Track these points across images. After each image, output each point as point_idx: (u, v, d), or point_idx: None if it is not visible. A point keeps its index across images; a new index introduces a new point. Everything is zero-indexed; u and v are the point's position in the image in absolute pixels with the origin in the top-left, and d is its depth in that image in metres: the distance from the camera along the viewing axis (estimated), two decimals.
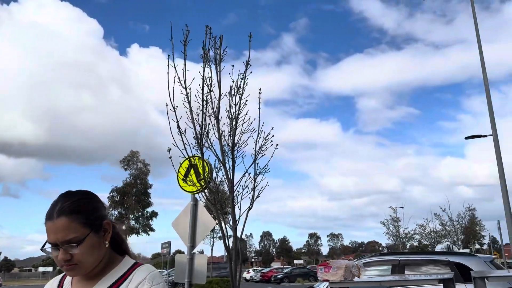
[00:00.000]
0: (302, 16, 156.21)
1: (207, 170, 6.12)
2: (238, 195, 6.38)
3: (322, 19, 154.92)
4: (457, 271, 5.98)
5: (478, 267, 6.14)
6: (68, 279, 1.53)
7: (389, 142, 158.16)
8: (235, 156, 6.46)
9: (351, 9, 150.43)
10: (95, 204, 1.48)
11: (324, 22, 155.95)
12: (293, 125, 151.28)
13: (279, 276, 42.79)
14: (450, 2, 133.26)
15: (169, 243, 30.45)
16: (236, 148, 6.43)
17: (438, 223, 39.36)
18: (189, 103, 6.08)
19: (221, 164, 6.39)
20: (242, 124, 6.49)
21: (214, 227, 7.38)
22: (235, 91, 6.36)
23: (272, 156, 6.56)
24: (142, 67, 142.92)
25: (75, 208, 1.39)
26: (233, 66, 6.47)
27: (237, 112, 6.40)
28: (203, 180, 6.14)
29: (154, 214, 45.97)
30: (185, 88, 6.04)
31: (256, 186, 6.43)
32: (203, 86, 6.05)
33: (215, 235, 52.17)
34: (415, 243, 43.51)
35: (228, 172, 6.39)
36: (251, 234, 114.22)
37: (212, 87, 6.25)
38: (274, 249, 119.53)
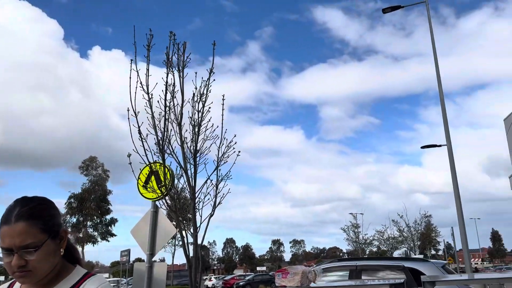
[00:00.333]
0: (268, 25, 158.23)
1: (168, 176, 6.07)
2: (200, 202, 6.36)
3: (286, 28, 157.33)
4: (411, 276, 6.21)
5: (431, 272, 6.41)
6: (17, 287, 1.49)
7: (351, 150, 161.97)
8: (197, 162, 6.45)
9: (314, 19, 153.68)
10: (53, 211, 1.46)
11: (288, 31, 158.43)
12: (258, 132, 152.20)
13: (241, 283, 42.63)
14: (409, 16, 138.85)
15: (128, 251, 29.76)
16: (198, 154, 6.42)
17: (396, 230, 40.60)
18: (151, 108, 6.03)
19: (182, 171, 6.36)
20: (205, 131, 6.49)
21: (175, 234, 7.30)
22: (198, 98, 6.37)
23: (234, 163, 6.60)
24: (103, 70, 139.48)
25: (34, 213, 1.37)
26: (196, 73, 6.48)
27: (200, 119, 6.40)
28: (164, 187, 6.07)
29: (113, 221, 44.79)
30: (148, 93, 5.98)
31: (218, 192, 6.43)
32: (166, 92, 6.02)
33: (176, 242, 51.44)
34: (374, 249, 44.63)
35: (190, 179, 6.36)
36: (214, 241, 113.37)
37: (175, 93, 6.23)
38: (237, 256, 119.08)
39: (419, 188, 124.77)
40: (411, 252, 38.99)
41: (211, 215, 6.42)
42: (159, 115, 6.22)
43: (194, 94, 6.44)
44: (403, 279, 3.45)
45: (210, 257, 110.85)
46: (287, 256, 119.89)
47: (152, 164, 6.14)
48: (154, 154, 6.11)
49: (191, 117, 6.46)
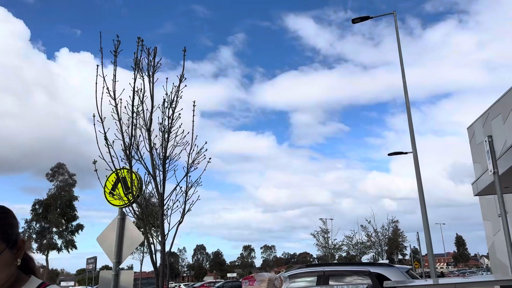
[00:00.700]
0: (240, 31, 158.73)
1: (135, 183, 5.98)
2: (169, 209, 6.29)
3: (258, 35, 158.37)
4: (376, 281, 6.35)
5: (396, 277, 6.56)
6: None
7: (321, 156, 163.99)
8: (167, 169, 6.39)
9: (286, 27, 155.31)
10: (12, 220, 1.42)
11: (260, 38, 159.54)
12: (230, 137, 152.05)
13: None
14: (377, 26, 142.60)
15: (95, 258, 29.01)
16: (168, 161, 6.36)
17: (364, 235, 41.29)
18: (118, 114, 5.93)
19: (151, 177, 6.28)
20: (175, 137, 6.44)
21: (143, 241, 7.18)
22: (169, 104, 6.32)
23: (204, 169, 6.57)
24: (71, 73, 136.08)
25: None
26: (167, 78, 6.43)
27: (169, 125, 6.35)
28: (131, 194, 5.98)
29: (79, 227, 43.59)
30: (114, 99, 5.89)
31: (188, 199, 6.38)
32: (133, 98, 5.94)
33: (145, 249, 50.53)
34: (344, 254, 45.21)
35: (159, 185, 6.29)
36: (184, 248, 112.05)
37: (144, 99, 6.16)
38: (207, 263, 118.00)
39: (387, 193, 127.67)
40: (379, 257, 39.76)
41: (180, 222, 6.36)
42: (128, 120, 6.14)
43: (164, 99, 6.39)
44: (366, 284, 3.52)
45: (180, 264, 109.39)
46: (258, 262, 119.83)
47: (118, 171, 6.03)
48: (121, 161, 6.02)
49: (161, 123, 6.40)
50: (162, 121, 6.42)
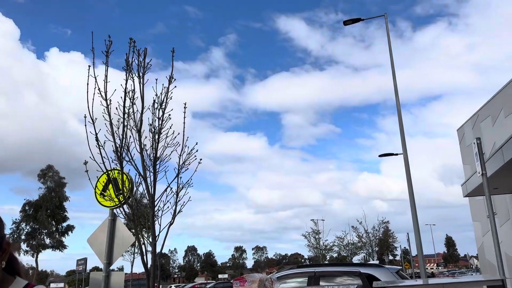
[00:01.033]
0: (231, 32, 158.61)
1: (126, 184, 5.95)
2: (159, 210, 6.28)
3: (250, 36, 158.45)
4: (367, 282, 6.39)
5: (386, 278, 6.61)
6: None
7: (312, 157, 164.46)
8: (157, 170, 6.38)
9: (278, 28, 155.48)
10: None
11: (252, 39, 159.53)
12: (222, 138, 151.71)
13: None
14: (368, 28, 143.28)
15: (85, 259, 28.77)
16: (158, 162, 6.35)
17: (355, 235, 41.48)
18: (109, 115, 5.91)
19: (142, 178, 6.27)
20: (166, 138, 6.43)
21: (134, 242, 7.16)
22: (159, 105, 6.31)
23: (195, 170, 6.57)
24: (61, 73, 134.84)
25: None
26: (156, 79, 6.43)
27: (160, 126, 6.34)
28: (122, 195, 5.96)
29: (70, 228, 43.24)
30: (106, 99, 5.87)
31: (179, 200, 6.38)
32: (124, 99, 5.93)
33: (136, 250, 50.22)
34: (335, 255, 45.38)
35: (149, 187, 6.28)
36: (175, 249, 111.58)
37: (134, 100, 6.14)
38: (198, 264, 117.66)
39: (377, 195, 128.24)
40: (369, 257, 39.98)
41: (171, 223, 6.35)
42: (118, 121, 6.12)
43: (154, 101, 6.38)
44: (356, 285, 3.55)
45: (171, 265, 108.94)
46: (249, 263, 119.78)
47: (109, 172, 6.01)
48: (112, 162, 5.99)
49: (151, 124, 6.38)
50: (153, 122, 6.41)
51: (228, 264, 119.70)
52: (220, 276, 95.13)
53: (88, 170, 5.94)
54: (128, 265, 52.90)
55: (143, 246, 6.22)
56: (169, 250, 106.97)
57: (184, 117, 6.65)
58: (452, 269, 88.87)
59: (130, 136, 6.11)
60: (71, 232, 42.99)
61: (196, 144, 6.62)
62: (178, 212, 6.42)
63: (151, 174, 6.25)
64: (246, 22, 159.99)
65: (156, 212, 6.29)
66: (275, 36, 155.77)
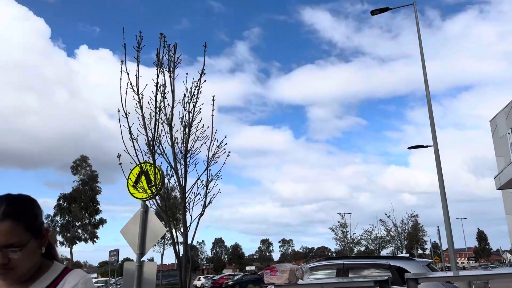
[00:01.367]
0: (256, 25, 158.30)
1: (158, 176, 6.11)
2: (190, 201, 6.42)
3: (275, 29, 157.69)
4: (396, 274, 6.35)
5: (416, 271, 6.56)
6: None
7: (338, 150, 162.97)
8: (188, 163, 6.51)
9: (302, 21, 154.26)
10: (37, 210, 1.48)
11: (276, 32, 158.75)
12: (247, 132, 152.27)
13: (230, 283, 42.68)
14: (395, 18, 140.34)
15: (117, 250, 29.57)
16: (189, 155, 6.48)
17: (383, 229, 40.97)
18: (142, 109, 6.07)
19: (173, 171, 6.41)
20: (196, 131, 6.56)
21: (165, 234, 7.35)
22: (189, 99, 6.42)
23: (224, 163, 6.67)
24: (91, 70, 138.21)
25: (19, 212, 1.39)
26: (187, 74, 6.54)
27: (190, 119, 6.46)
28: (154, 187, 6.12)
29: (102, 221, 44.47)
30: (138, 94, 6.03)
31: (208, 192, 6.50)
32: (156, 93, 6.07)
33: (165, 242, 51.20)
34: (362, 248, 44.99)
35: (180, 179, 6.42)
36: (203, 241, 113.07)
37: (165, 94, 6.28)
38: (226, 256, 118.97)
39: (405, 188, 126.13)
40: (398, 251, 39.45)
41: (201, 214, 6.48)
42: (150, 115, 6.27)
43: (185, 95, 6.50)
44: (386, 276, 3.56)
45: (199, 257, 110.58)
46: (276, 256, 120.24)
47: (142, 164, 6.18)
48: (145, 155, 6.16)
49: (182, 118, 6.51)
50: (183, 116, 6.54)
51: (255, 257, 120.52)
52: (247, 268, 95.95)
53: (121, 163, 6.13)
54: (158, 256, 54.03)
55: (174, 237, 6.37)
56: (197, 242, 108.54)
57: (213, 110, 6.75)
58: (483, 263, 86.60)
59: (162, 130, 6.26)
60: (103, 225, 44.20)
61: (225, 137, 6.72)
62: (208, 204, 6.55)
63: (182, 166, 6.39)
64: (270, 15, 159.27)
65: (187, 204, 6.43)
66: (299, 29, 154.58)
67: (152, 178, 6.22)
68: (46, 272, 1.49)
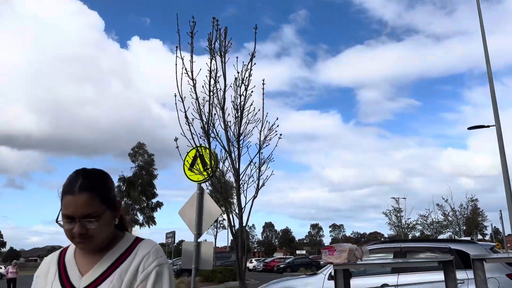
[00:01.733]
0: (302, 8, 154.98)
1: (214, 159, 6.25)
2: (244, 183, 6.52)
3: (321, 10, 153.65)
4: (458, 258, 6.11)
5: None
6: (70, 254, 1.60)
7: (390, 133, 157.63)
8: (241, 146, 6.59)
9: (351, 0, 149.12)
10: (110, 184, 1.57)
11: (324, 14, 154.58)
12: (294, 117, 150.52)
13: (281, 266, 43.19)
14: None
15: (173, 233, 30.75)
16: (241, 137, 6.56)
17: (440, 214, 39.49)
18: (196, 94, 6.20)
19: (227, 154, 6.53)
20: (247, 114, 6.61)
21: (219, 216, 7.54)
22: (240, 82, 6.47)
23: (276, 145, 6.69)
24: (142, 60, 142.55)
25: (95, 185, 1.48)
26: (237, 57, 6.58)
27: (242, 102, 6.51)
28: (209, 169, 6.27)
29: (158, 204, 46.35)
30: (192, 79, 6.15)
31: (261, 175, 6.56)
32: (210, 77, 6.17)
33: (218, 225, 52.49)
34: (417, 234, 43.75)
35: (234, 162, 6.52)
36: (253, 225, 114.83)
37: (217, 78, 6.36)
38: (276, 240, 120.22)
39: (463, 171, 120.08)
40: (456, 236, 37.95)
41: (255, 196, 6.57)
42: (203, 100, 6.40)
43: (236, 78, 6.55)
44: (452, 257, 3.45)
45: (250, 241, 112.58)
46: (326, 241, 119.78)
47: (198, 148, 6.34)
48: (200, 138, 6.31)
49: (233, 101, 6.58)
50: (235, 99, 6.60)
51: (305, 241, 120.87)
52: (297, 252, 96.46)
53: (178, 146, 6.33)
54: (211, 238, 55.52)
55: (230, 218, 6.52)
56: (248, 226, 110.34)
57: (263, 94, 6.77)
58: None
59: (215, 114, 6.37)
60: (160, 208, 46.06)
61: (277, 119, 6.72)
62: (261, 186, 6.62)
63: (235, 149, 6.48)
64: None
65: (240, 186, 6.54)
66: (348, 8, 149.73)
67: (208, 161, 6.37)
68: (120, 242, 1.58)
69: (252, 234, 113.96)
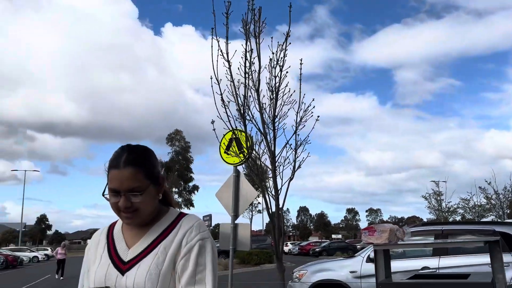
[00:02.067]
0: None
1: (250, 141, 6.26)
2: (280, 165, 6.49)
3: None
4: (503, 241, 5.89)
5: None
6: (118, 228, 1.66)
7: (429, 115, 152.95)
8: (276, 128, 6.55)
9: None
10: (154, 160, 1.61)
11: None
12: (328, 100, 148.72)
13: (317, 250, 43.26)
14: None
15: (210, 215, 31.34)
16: (277, 119, 6.52)
17: (482, 197, 38.12)
18: (231, 75, 6.18)
19: (262, 136, 6.51)
20: (283, 96, 6.54)
21: (255, 198, 7.59)
22: (275, 63, 6.39)
23: (313, 128, 6.60)
24: (176, 46, 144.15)
25: (140, 160, 1.52)
26: (272, 38, 6.48)
27: (277, 83, 6.45)
28: (245, 152, 6.29)
29: (195, 188, 47.48)
30: (228, 61, 6.13)
31: (297, 157, 6.51)
32: (245, 59, 6.13)
33: (253, 209, 53.03)
34: (458, 217, 42.51)
35: (270, 144, 6.50)
36: (288, 209, 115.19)
37: (252, 60, 6.31)
38: (311, 224, 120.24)
39: (507, 153, 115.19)
40: (499, 220, 36.59)
41: (291, 178, 6.54)
42: (238, 82, 6.37)
43: (270, 59, 6.47)
44: (498, 237, 3.32)
45: (285, 224, 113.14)
46: (363, 225, 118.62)
47: (234, 130, 6.36)
48: (236, 120, 6.31)
49: (268, 83, 6.52)
50: (270, 81, 6.54)
51: (340, 225, 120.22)
52: (333, 236, 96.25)
53: (215, 129, 6.37)
54: (246, 222, 56.37)
55: (267, 199, 6.53)
56: (282, 210, 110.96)
57: (300, 74, 6.66)
58: None
59: (250, 96, 6.35)
60: (197, 191, 47.25)
61: (313, 100, 6.61)
62: (298, 168, 6.57)
63: (271, 131, 6.45)
64: None
65: (276, 168, 6.52)
66: None
67: (244, 144, 6.39)
68: (164, 216, 1.61)
69: (286, 218, 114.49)
